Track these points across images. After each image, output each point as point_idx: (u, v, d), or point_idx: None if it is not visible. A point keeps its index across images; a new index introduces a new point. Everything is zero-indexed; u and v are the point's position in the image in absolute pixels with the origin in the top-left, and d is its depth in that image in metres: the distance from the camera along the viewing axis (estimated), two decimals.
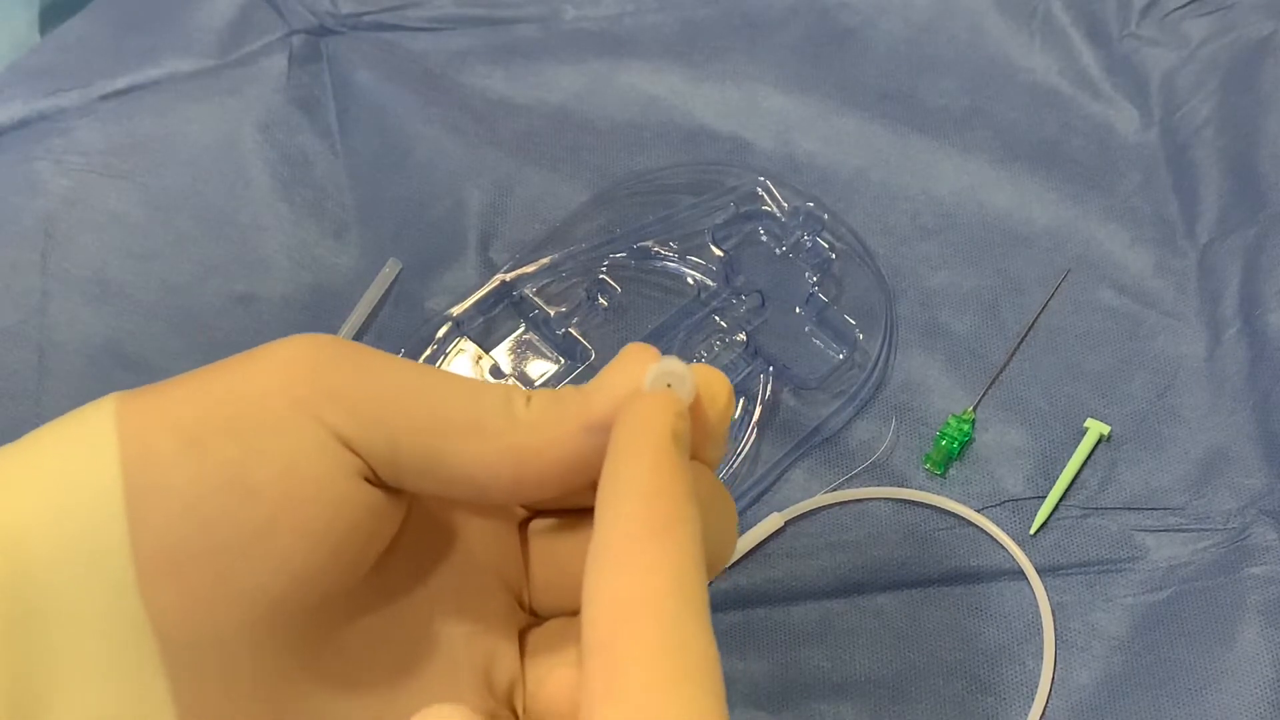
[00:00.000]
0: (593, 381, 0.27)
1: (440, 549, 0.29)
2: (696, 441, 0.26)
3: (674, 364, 0.26)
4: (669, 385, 0.25)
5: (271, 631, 0.25)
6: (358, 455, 0.25)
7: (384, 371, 0.25)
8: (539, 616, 0.30)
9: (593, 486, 0.26)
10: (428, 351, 0.49)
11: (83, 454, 0.24)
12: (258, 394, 0.24)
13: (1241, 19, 0.55)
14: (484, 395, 0.26)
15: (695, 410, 0.26)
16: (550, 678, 0.26)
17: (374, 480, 0.25)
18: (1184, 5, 0.56)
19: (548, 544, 0.30)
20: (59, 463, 0.24)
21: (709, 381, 0.27)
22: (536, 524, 0.30)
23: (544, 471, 0.26)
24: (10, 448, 0.25)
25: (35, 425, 0.49)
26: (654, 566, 0.22)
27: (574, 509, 0.29)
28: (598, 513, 0.24)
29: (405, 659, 0.28)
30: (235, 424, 0.24)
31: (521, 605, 0.30)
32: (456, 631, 0.28)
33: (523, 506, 0.30)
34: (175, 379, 0.26)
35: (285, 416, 0.24)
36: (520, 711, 0.29)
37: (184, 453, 0.24)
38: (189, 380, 0.25)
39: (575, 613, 0.29)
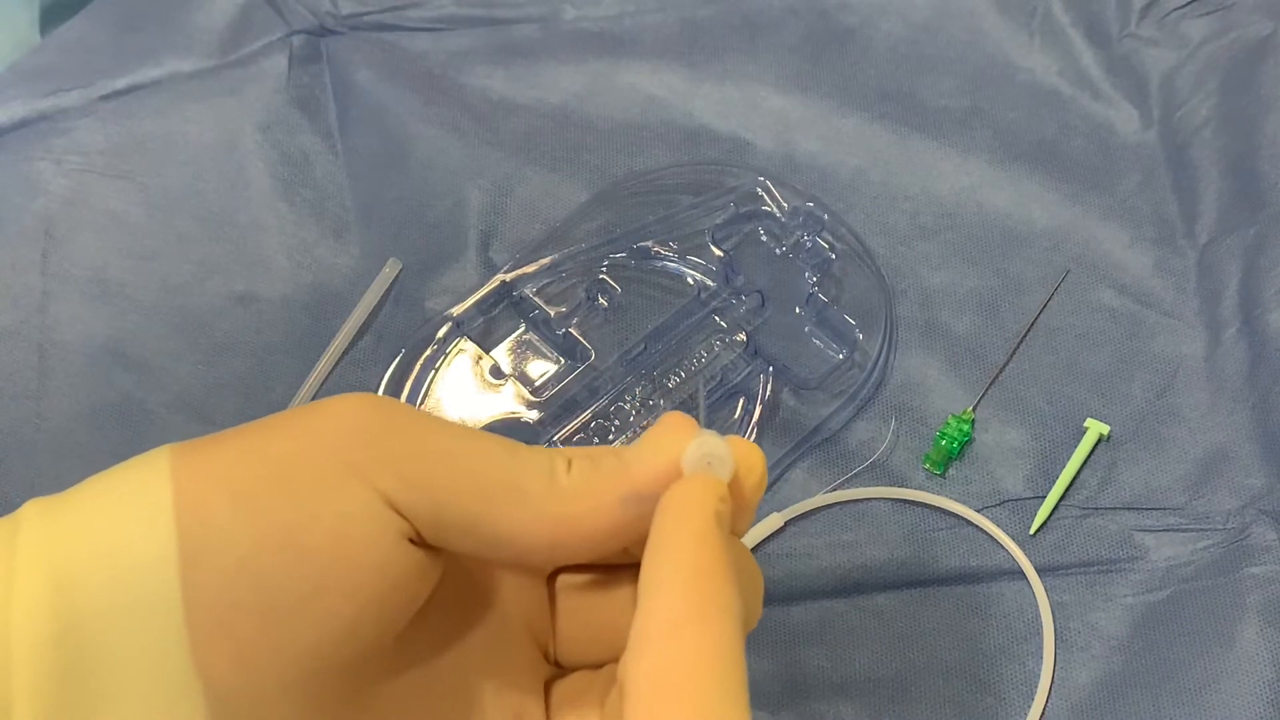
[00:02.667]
0: (631, 449, 0.27)
1: (472, 605, 0.29)
2: (732, 515, 0.27)
3: (713, 443, 0.26)
4: (709, 464, 0.26)
5: (315, 689, 0.25)
6: (403, 517, 0.25)
7: (431, 436, 0.26)
8: (564, 668, 0.30)
9: (626, 549, 0.26)
10: (428, 352, 0.49)
11: (136, 508, 0.24)
12: (310, 456, 0.25)
13: (1241, 19, 0.55)
14: (526, 461, 0.26)
15: (732, 485, 0.27)
16: None
17: (417, 541, 0.26)
18: (1184, 5, 0.56)
19: (575, 598, 0.30)
20: (112, 515, 0.24)
21: (745, 455, 0.27)
22: (564, 578, 0.30)
23: (582, 538, 0.27)
24: (64, 497, 0.25)
25: (35, 425, 0.49)
26: (696, 651, 0.23)
27: (602, 565, 0.30)
28: (640, 595, 0.24)
29: (437, 714, 0.28)
30: (288, 485, 0.24)
31: (547, 657, 0.30)
32: (486, 685, 0.29)
33: None
34: (229, 433, 0.26)
35: (337, 479, 0.25)
36: None
37: (239, 513, 0.24)
38: (243, 436, 0.25)
39: (600, 665, 0.29)
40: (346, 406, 0.26)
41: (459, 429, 0.27)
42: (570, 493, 0.26)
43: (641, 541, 0.26)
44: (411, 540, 0.26)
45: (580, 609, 0.30)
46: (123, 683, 0.23)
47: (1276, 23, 0.55)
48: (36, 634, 0.23)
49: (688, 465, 0.26)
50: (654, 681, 0.23)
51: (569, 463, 0.27)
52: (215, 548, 0.24)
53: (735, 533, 0.28)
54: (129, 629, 0.23)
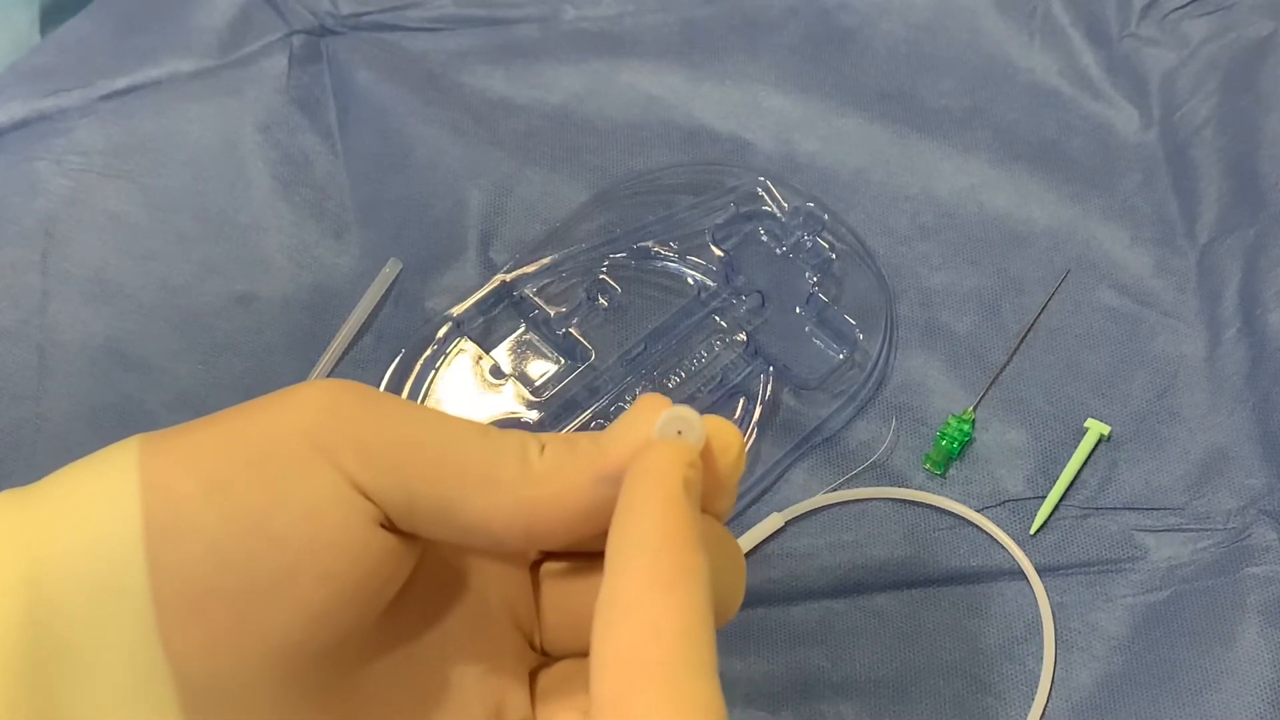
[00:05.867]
0: (607, 431, 0.27)
1: (453, 591, 0.29)
2: (706, 493, 0.26)
3: (684, 411, 0.26)
4: (679, 433, 0.25)
5: (288, 675, 0.25)
6: (374, 503, 0.25)
7: (402, 421, 0.25)
8: (550, 657, 0.30)
9: (605, 533, 0.26)
10: (428, 352, 0.49)
11: (104, 495, 0.24)
12: (280, 440, 0.25)
13: (1241, 19, 0.55)
14: (499, 445, 0.26)
15: (706, 461, 0.26)
16: None
17: (389, 526, 0.26)
18: (1184, 5, 0.56)
19: (558, 586, 0.30)
20: (80, 503, 0.24)
21: (720, 431, 0.27)
22: (548, 566, 0.30)
23: (557, 522, 0.26)
24: (36, 487, 0.25)
25: (35, 425, 0.49)
26: (662, 621, 0.22)
27: (585, 552, 0.29)
28: (607, 563, 0.24)
29: (418, 701, 0.28)
30: (258, 470, 0.24)
31: (532, 646, 0.30)
32: (469, 673, 0.28)
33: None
34: (200, 421, 0.26)
35: (306, 464, 0.24)
36: None
37: (207, 496, 0.24)
38: (211, 423, 0.25)
39: (585, 653, 0.29)
40: (317, 392, 0.26)
41: (431, 413, 0.26)
42: (542, 475, 0.26)
43: None
44: (384, 526, 0.25)
45: (564, 597, 0.29)
46: (93, 669, 0.23)
47: (1276, 23, 0.55)
48: (11, 620, 0.23)
49: (658, 434, 0.26)
50: (620, 652, 0.22)
51: (542, 446, 0.26)
52: (183, 532, 0.24)
53: (716, 514, 0.28)
54: (97, 615, 0.23)
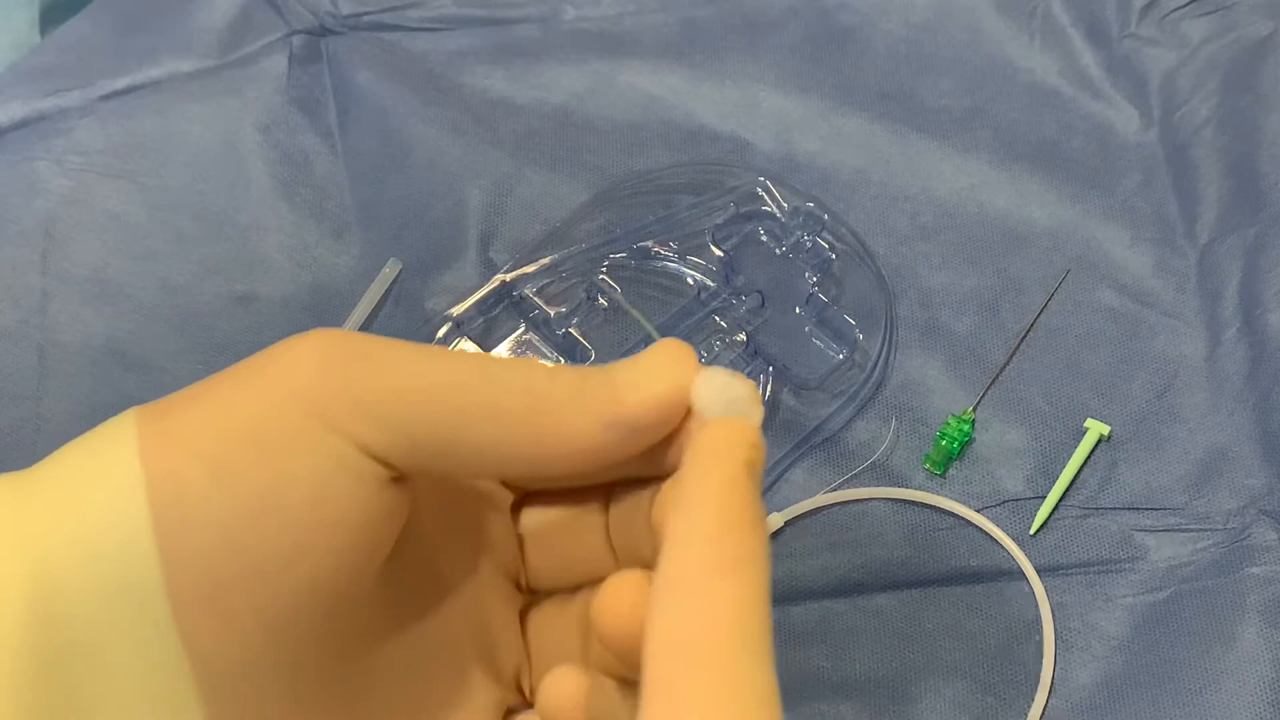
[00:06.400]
0: (621, 371, 0.26)
1: (439, 545, 0.28)
2: None
3: (737, 385, 0.25)
4: (732, 405, 0.25)
5: (297, 649, 0.25)
6: (378, 459, 0.25)
7: (399, 367, 0.25)
8: (536, 594, 0.30)
9: (602, 471, 0.25)
10: None
11: (107, 483, 0.24)
12: (281, 412, 0.24)
13: (1241, 19, 0.55)
14: (503, 379, 0.25)
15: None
16: (561, 683, 0.25)
17: (394, 476, 0.25)
18: (1184, 5, 0.56)
19: (542, 524, 0.29)
20: (82, 493, 0.24)
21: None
22: (529, 510, 0.30)
23: (563, 459, 0.26)
24: (33, 473, 0.25)
25: (35, 426, 0.49)
26: (721, 606, 0.22)
27: (565, 490, 0.29)
28: (665, 542, 0.23)
29: (417, 662, 0.28)
30: (262, 448, 0.24)
31: (519, 586, 0.30)
32: (462, 626, 0.28)
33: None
34: (190, 391, 0.25)
35: (310, 435, 0.24)
36: (527, 693, 0.29)
37: (213, 481, 0.23)
38: (209, 395, 0.25)
39: (571, 588, 0.29)
40: (308, 350, 0.25)
41: (428, 352, 0.25)
42: (553, 408, 0.25)
43: (616, 468, 0.26)
44: (389, 478, 0.25)
45: (548, 535, 0.29)
46: (109, 663, 0.23)
47: (1276, 23, 0.55)
48: (16, 618, 0.23)
49: (706, 404, 0.25)
50: (677, 634, 0.22)
51: (552, 375, 0.25)
52: (193, 521, 0.23)
53: None
54: (111, 609, 0.23)
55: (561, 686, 0.24)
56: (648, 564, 0.25)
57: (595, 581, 0.28)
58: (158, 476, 0.23)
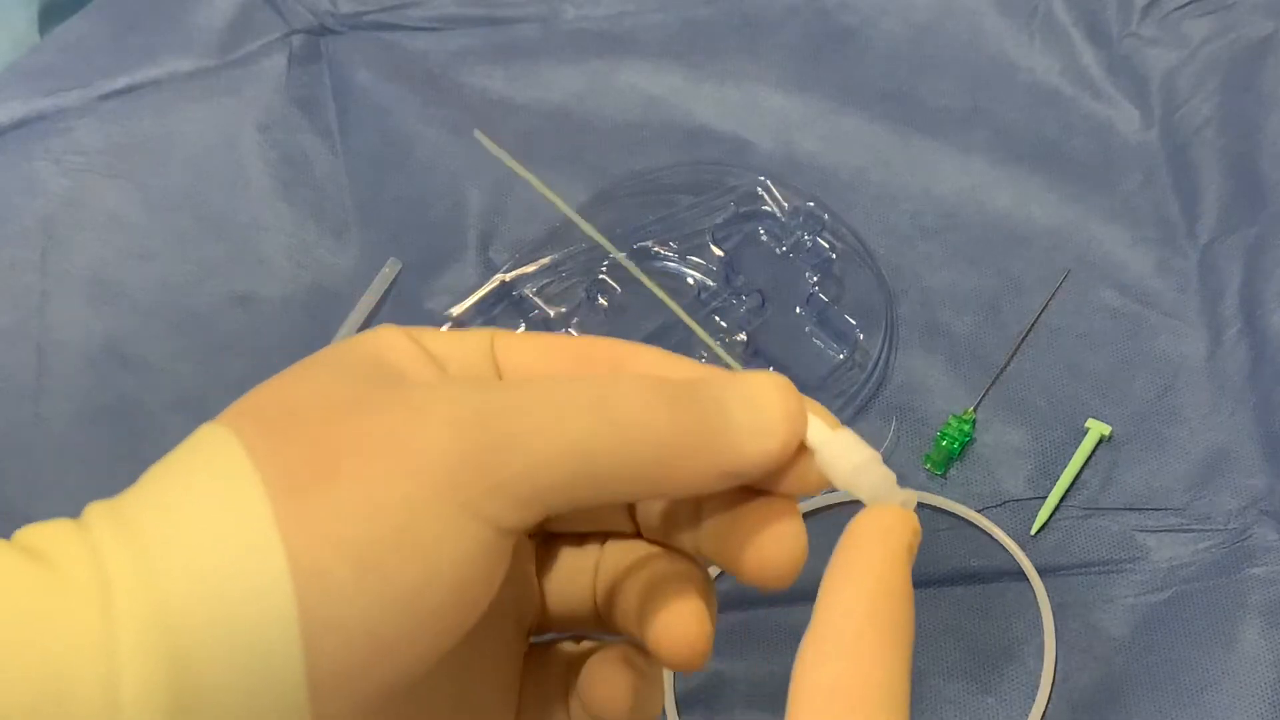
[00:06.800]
0: (737, 410, 0.26)
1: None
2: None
3: (896, 490, 0.26)
4: (890, 491, 0.27)
5: (404, 715, 0.26)
6: (510, 531, 0.25)
7: (530, 434, 0.24)
8: (534, 636, 0.30)
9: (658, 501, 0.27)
10: None
11: (251, 572, 0.23)
12: (425, 500, 0.23)
13: (1241, 19, 0.55)
14: (630, 425, 0.25)
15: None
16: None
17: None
18: (1184, 5, 0.56)
19: (566, 563, 0.30)
20: (223, 578, 0.23)
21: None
22: (554, 545, 0.30)
23: (668, 497, 0.27)
24: (150, 534, 0.23)
25: (35, 426, 0.49)
26: (873, 665, 0.24)
27: (573, 533, 0.30)
28: (824, 600, 0.25)
29: (448, 714, 0.28)
30: (406, 540, 0.23)
31: (528, 630, 0.30)
32: (483, 677, 0.29)
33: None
34: (321, 460, 0.24)
35: (455, 524, 0.24)
36: None
37: (361, 579, 0.23)
38: (340, 468, 0.24)
39: (578, 628, 0.30)
40: (444, 424, 0.24)
41: (557, 401, 0.25)
42: (675, 457, 0.25)
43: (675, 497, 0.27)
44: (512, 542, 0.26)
45: (570, 573, 0.30)
46: None
47: (1276, 23, 0.55)
48: (160, 708, 0.22)
49: (863, 486, 0.26)
50: (827, 686, 0.23)
51: (674, 416, 0.25)
52: (340, 621, 0.23)
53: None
54: (253, 703, 0.23)
55: None
56: (614, 611, 0.28)
57: (576, 623, 0.29)
58: (304, 572, 0.23)
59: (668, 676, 0.44)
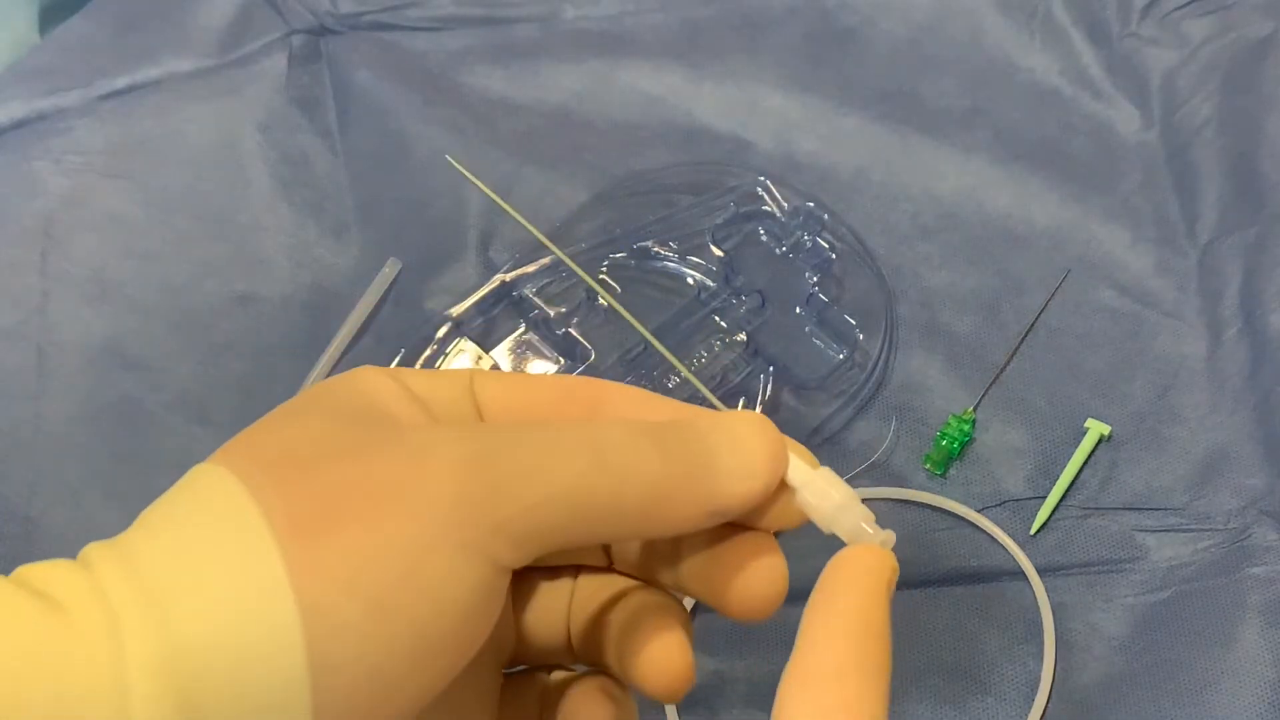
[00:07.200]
0: (723, 453, 0.27)
1: None
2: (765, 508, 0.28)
3: (876, 530, 0.27)
4: (866, 529, 0.27)
5: None
6: (507, 568, 0.25)
7: (529, 474, 0.25)
8: (509, 669, 0.31)
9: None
10: (428, 352, 0.49)
11: (260, 613, 0.23)
12: (427, 540, 0.24)
13: (1241, 19, 0.55)
14: (621, 469, 0.26)
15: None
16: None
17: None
18: (1184, 5, 0.56)
19: (544, 599, 0.30)
20: (232, 620, 0.23)
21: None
22: (532, 580, 0.30)
23: (654, 537, 0.28)
24: (145, 561, 0.23)
25: (35, 425, 0.49)
26: (857, 701, 0.24)
27: (544, 567, 0.30)
28: (806, 633, 0.25)
29: None
30: (413, 580, 0.24)
31: (504, 663, 0.31)
32: (467, 708, 0.29)
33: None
34: (324, 497, 0.24)
35: (456, 563, 0.24)
36: None
37: (369, 619, 0.23)
38: (345, 510, 0.24)
39: (551, 660, 0.30)
40: (448, 465, 0.25)
41: (552, 444, 0.26)
42: (662, 497, 0.26)
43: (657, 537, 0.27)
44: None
45: (546, 608, 0.30)
46: None
47: (1276, 23, 0.55)
48: None
49: (844, 525, 0.27)
50: (809, 711, 0.24)
51: (664, 458, 0.26)
52: (347, 659, 0.23)
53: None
54: None
55: None
56: (585, 639, 0.29)
57: (550, 655, 0.30)
58: (314, 614, 0.23)
59: None
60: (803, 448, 0.28)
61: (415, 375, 0.28)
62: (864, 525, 0.27)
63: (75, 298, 0.51)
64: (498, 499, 0.25)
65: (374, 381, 0.27)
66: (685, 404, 0.29)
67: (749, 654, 0.45)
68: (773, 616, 0.45)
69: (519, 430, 0.26)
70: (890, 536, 0.27)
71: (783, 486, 0.27)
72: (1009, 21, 0.57)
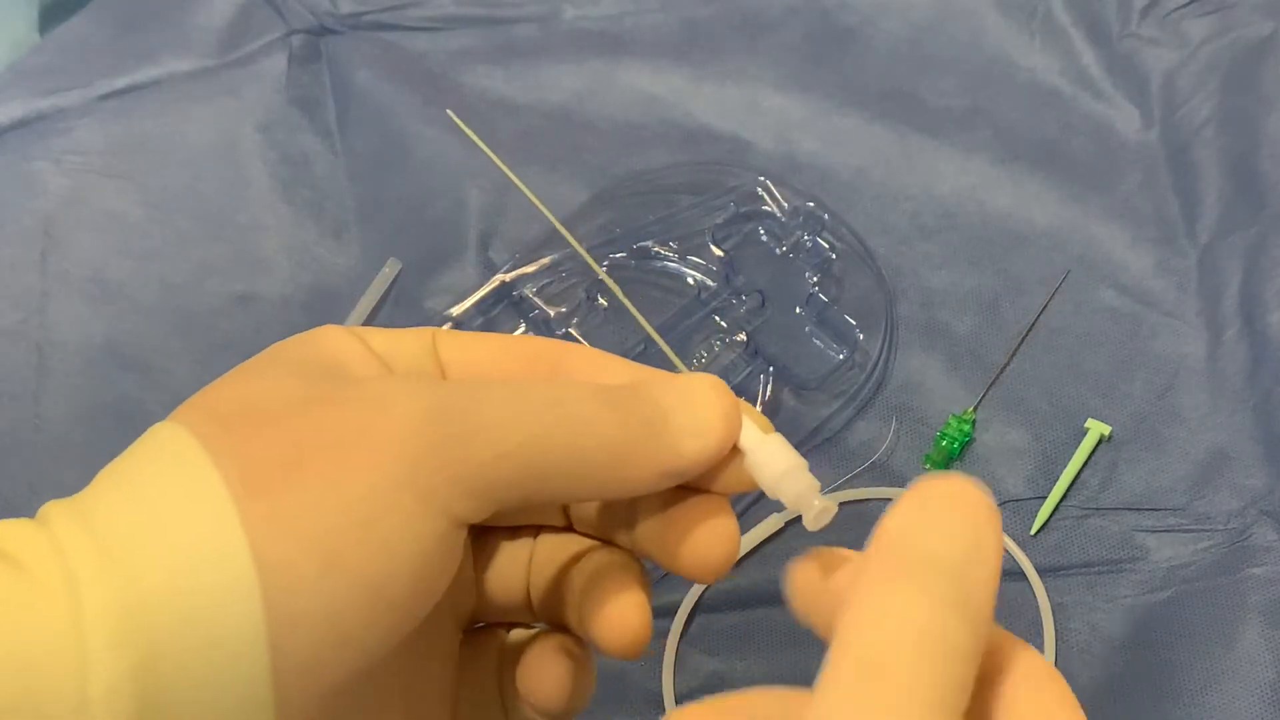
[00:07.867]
0: (676, 413, 0.26)
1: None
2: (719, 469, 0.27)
3: (804, 476, 0.27)
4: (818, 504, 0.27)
5: (366, 699, 0.26)
6: (464, 523, 0.25)
7: (488, 428, 0.25)
8: (472, 626, 0.31)
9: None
10: None
11: (217, 569, 0.23)
12: (386, 492, 0.24)
13: (1241, 19, 0.55)
14: (580, 424, 0.26)
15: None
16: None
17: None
18: (1184, 5, 0.56)
19: (505, 557, 0.30)
20: (188, 574, 0.23)
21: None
22: (493, 538, 0.30)
23: (610, 498, 0.28)
24: (102, 519, 0.23)
25: (34, 425, 0.49)
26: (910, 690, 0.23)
27: (507, 526, 0.30)
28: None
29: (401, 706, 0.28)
30: (369, 534, 0.24)
31: (463, 621, 0.30)
32: (423, 665, 0.29)
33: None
34: (282, 453, 0.24)
35: (413, 516, 0.24)
36: None
37: (326, 573, 0.23)
38: (304, 463, 0.24)
39: (513, 618, 0.30)
40: (407, 417, 0.24)
41: (513, 398, 0.26)
42: (620, 458, 0.26)
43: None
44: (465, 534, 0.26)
45: (507, 566, 0.30)
46: None
47: (1276, 23, 0.55)
48: (122, 703, 0.22)
49: (787, 491, 0.27)
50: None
51: (622, 421, 0.26)
52: (305, 614, 0.23)
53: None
54: (219, 698, 0.23)
55: None
56: (551, 597, 0.29)
57: (509, 613, 0.30)
58: (270, 567, 0.23)
59: (668, 676, 0.44)
60: (757, 412, 0.28)
61: (377, 333, 0.28)
62: (807, 493, 0.27)
63: (75, 297, 0.51)
64: (455, 452, 0.24)
65: (335, 339, 0.27)
66: (643, 365, 0.29)
67: (749, 654, 0.45)
68: (772, 617, 0.45)
69: (479, 386, 0.26)
70: (832, 506, 0.27)
71: (736, 450, 0.27)
72: (1009, 21, 0.57)
